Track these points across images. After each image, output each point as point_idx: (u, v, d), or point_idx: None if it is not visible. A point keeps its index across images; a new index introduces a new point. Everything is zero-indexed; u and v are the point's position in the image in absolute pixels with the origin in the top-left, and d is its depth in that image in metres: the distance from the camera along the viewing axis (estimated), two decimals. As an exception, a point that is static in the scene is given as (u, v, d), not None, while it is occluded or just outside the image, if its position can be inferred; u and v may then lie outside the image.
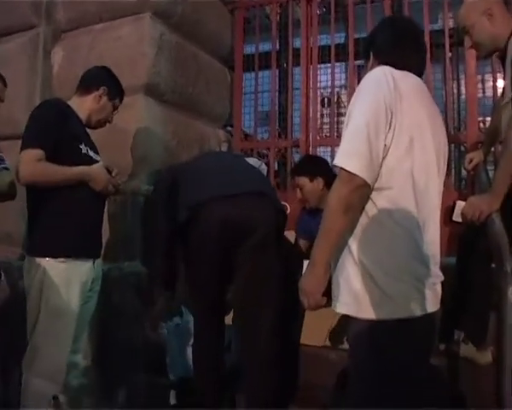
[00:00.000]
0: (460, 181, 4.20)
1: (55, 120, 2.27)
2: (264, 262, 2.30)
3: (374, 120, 1.45)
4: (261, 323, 2.31)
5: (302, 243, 3.14)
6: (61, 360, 2.27)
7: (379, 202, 1.50)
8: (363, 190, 1.46)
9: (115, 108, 2.61)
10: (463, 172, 3.91)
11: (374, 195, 1.50)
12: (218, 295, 2.40)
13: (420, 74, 1.69)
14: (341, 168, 1.46)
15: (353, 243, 1.53)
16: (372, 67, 1.67)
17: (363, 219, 1.52)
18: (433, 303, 1.55)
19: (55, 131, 2.25)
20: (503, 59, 2.29)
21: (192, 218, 2.24)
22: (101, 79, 2.53)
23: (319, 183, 2.95)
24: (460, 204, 2.97)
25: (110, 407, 2.91)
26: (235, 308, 2.52)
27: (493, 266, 2.03)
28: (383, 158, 1.48)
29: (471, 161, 2.72)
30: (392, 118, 1.47)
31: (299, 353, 2.76)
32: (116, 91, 2.59)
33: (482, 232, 2.06)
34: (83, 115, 2.47)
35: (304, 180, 3.00)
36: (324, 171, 3.00)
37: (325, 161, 3.27)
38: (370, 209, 1.51)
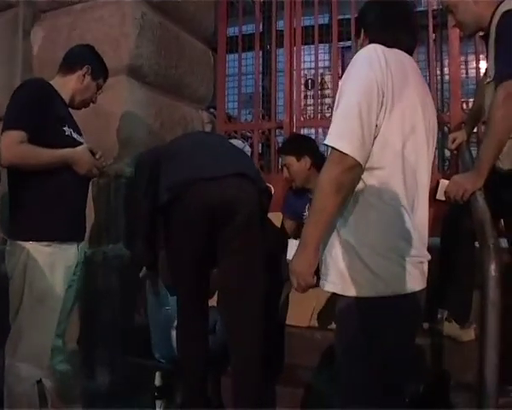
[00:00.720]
0: (443, 162, 4.23)
1: (37, 101, 2.22)
2: (248, 244, 2.29)
3: (365, 100, 1.43)
4: (246, 305, 2.31)
5: (289, 223, 3.14)
6: (45, 343, 2.25)
7: (369, 181, 1.49)
8: (354, 170, 1.44)
9: (99, 87, 2.55)
10: (447, 153, 3.94)
11: (364, 175, 1.49)
12: (202, 278, 2.39)
13: (410, 53, 1.67)
14: (333, 148, 1.44)
15: (341, 223, 1.52)
16: (363, 45, 1.65)
17: (351, 199, 1.51)
18: (419, 282, 1.55)
19: (38, 112, 2.20)
20: (486, 39, 2.29)
21: (174, 200, 2.22)
22: (84, 58, 2.47)
23: (306, 162, 2.95)
24: (443, 183, 2.98)
25: (96, 390, 2.91)
26: (219, 291, 2.52)
27: (477, 244, 2.05)
28: (374, 137, 1.47)
29: (454, 140, 2.73)
30: (383, 97, 1.46)
31: (284, 334, 2.78)
32: (100, 70, 2.53)
33: (466, 211, 2.07)
34: (66, 95, 2.42)
35: (291, 159, 2.99)
36: (311, 150, 3.00)
37: (312, 140, 3.27)
38: (360, 189, 1.50)
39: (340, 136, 1.44)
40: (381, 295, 1.47)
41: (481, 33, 2.36)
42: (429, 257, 1.60)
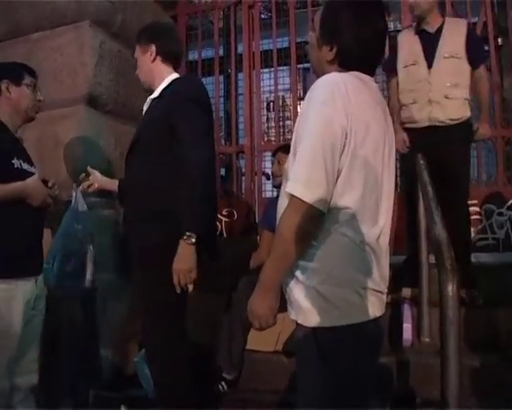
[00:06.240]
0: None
1: None
2: None
3: (329, 145, 1.39)
4: None
5: (266, 234, 3.12)
6: None
7: (327, 219, 1.44)
8: (317, 218, 1.41)
9: (33, 87, 2.36)
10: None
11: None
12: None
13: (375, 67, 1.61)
14: (295, 196, 1.39)
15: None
16: (327, 57, 1.54)
17: None
18: (377, 308, 1.51)
19: None
20: None
21: None
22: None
23: None
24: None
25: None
26: None
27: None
28: (336, 179, 1.42)
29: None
30: (346, 139, 1.41)
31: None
32: (18, 74, 2.34)
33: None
34: (6, 120, 2.29)
35: (287, 158, 3.14)
36: None
37: None
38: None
39: (302, 184, 1.39)
40: (340, 325, 1.44)
41: None
42: (386, 290, 1.56)
